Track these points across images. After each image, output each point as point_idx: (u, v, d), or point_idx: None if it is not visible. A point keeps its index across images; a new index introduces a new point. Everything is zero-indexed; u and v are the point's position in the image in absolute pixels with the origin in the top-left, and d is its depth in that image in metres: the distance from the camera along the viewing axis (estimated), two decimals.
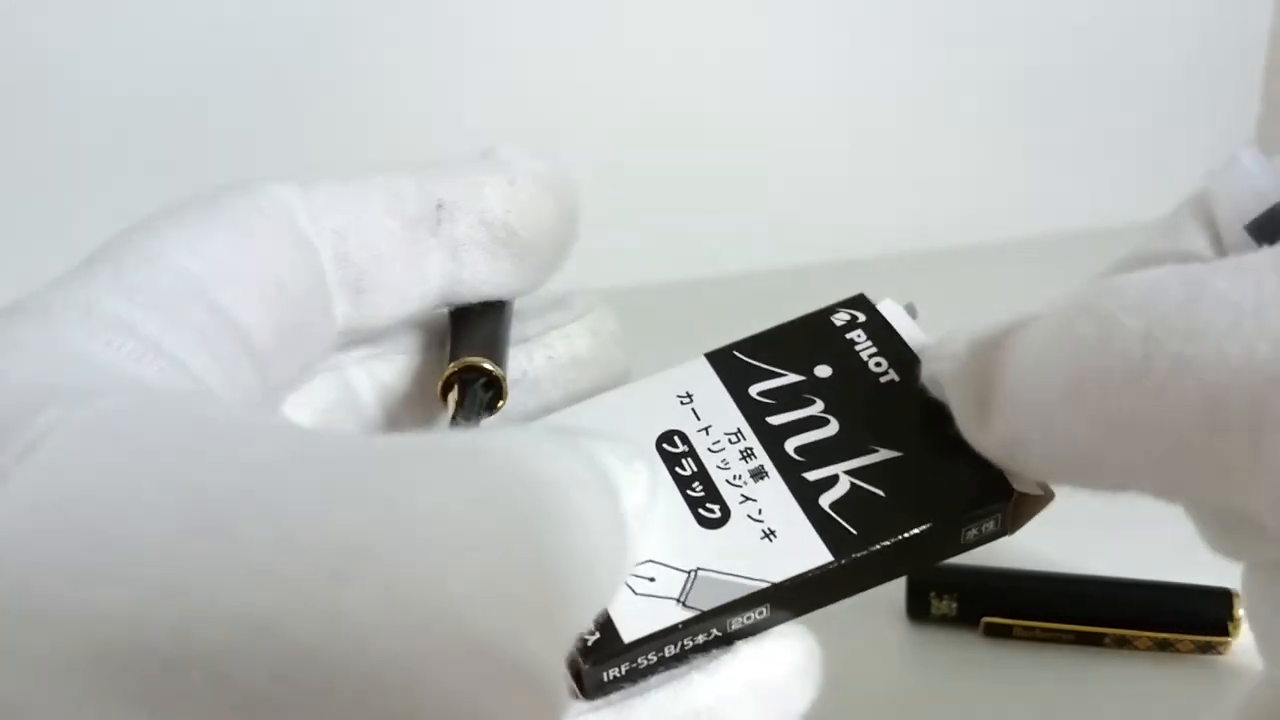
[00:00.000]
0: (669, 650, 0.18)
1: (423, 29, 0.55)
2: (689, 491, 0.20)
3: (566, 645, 0.15)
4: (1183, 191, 0.20)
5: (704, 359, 0.22)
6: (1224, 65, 0.72)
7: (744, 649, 0.18)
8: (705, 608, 0.18)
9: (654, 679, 0.18)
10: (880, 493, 0.19)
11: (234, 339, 0.17)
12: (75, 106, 0.53)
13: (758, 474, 0.20)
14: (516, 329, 0.22)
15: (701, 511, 0.20)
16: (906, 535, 0.19)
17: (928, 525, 0.19)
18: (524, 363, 0.22)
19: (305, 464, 0.14)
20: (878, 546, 0.19)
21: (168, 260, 0.17)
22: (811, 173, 0.66)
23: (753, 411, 0.21)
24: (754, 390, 0.21)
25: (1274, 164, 0.19)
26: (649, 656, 0.18)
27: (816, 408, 0.21)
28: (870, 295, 0.23)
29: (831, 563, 0.19)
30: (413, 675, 0.12)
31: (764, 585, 0.19)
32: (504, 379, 0.21)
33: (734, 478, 0.20)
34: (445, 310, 0.22)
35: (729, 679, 0.18)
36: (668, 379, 0.22)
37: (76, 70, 0.53)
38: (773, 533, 0.19)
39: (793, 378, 0.21)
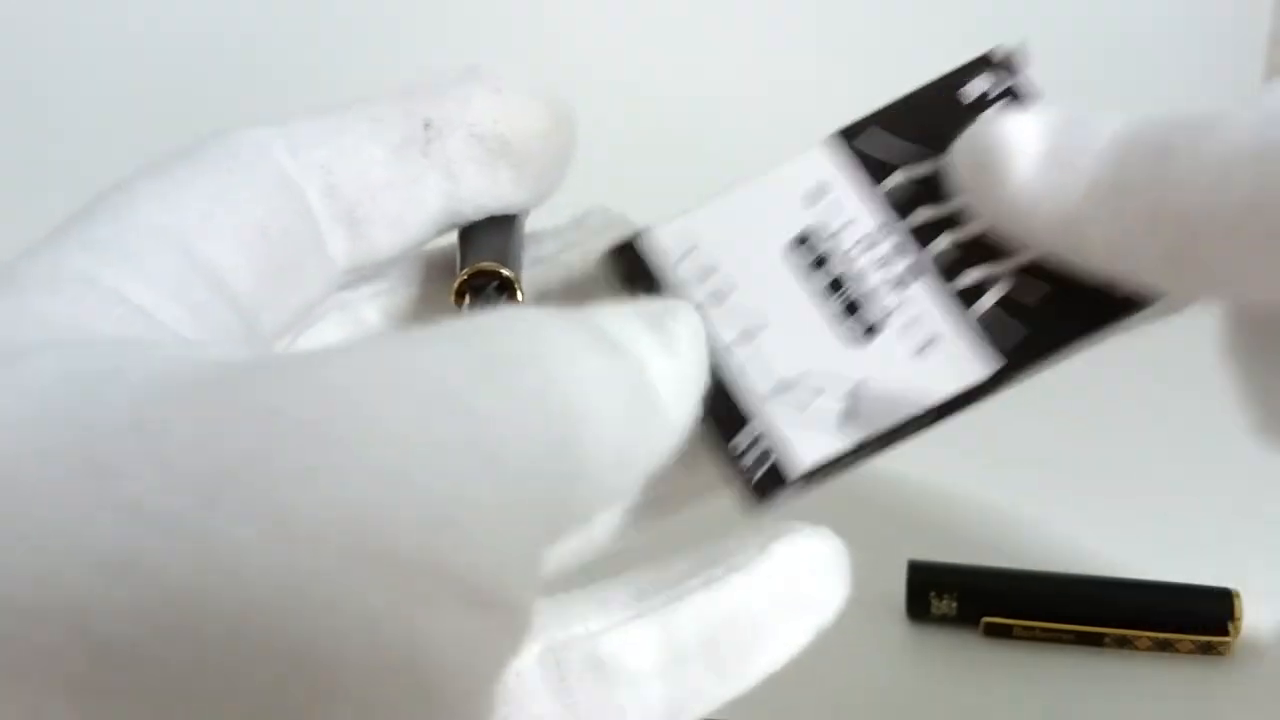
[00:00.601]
0: (831, 474, 0.18)
1: (436, 23, 0.55)
2: (829, 303, 0.18)
3: (526, 544, 0.13)
4: None
5: (830, 146, 0.19)
6: (1225, 68, 0.72)
7: (778, 549, 0.18)
8: (877, 430, 0.18)
9: (692, 582, 0.18)
10: (1044, 285, 0.18)
11: (209, 285, 0.17)
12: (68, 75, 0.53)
13: (903, 280, 0.19)
14: (533, 250, 0.22)
15: (847, 325, 0.18)
16: (1072, 330, 0.18)
17: (1095, 320, 0.18)
18: (541, 284, 0.22)
19: (203, 387, 0.13)
20: (1043, 345, 0.18)
21: (137, 212, 0.17)
22: None
23: (891, 208, 0.19)
24: (890, 183, 0.19)
25: None
26: (815, 480, 0.18)
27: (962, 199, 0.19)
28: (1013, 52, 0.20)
29: (1000, 368, 0.18)
30: (299, 595, 0.11)
31: (933, 401, 0.18)
32: (517, 280, 0.20)
33: (878, 285, 0.19)
34: (454, 239, 0.22)
35: (767, 578, 0.18)
36: (792, 174, 0.19)
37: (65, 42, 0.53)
38: (930, 343, 0.18)
39: (932, 165, 0.19)
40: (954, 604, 0.34)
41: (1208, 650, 0.33)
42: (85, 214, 0.17)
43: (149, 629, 0.11)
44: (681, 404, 0.17)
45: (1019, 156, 0.17)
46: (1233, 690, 0.32)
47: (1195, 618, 0.33)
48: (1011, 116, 0.18)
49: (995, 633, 0.34)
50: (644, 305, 0.17)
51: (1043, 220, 0.17)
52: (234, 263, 0.17)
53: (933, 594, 0.35)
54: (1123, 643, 0.34)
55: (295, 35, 0.57)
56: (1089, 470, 0.45)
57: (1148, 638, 0.33)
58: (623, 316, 0.16)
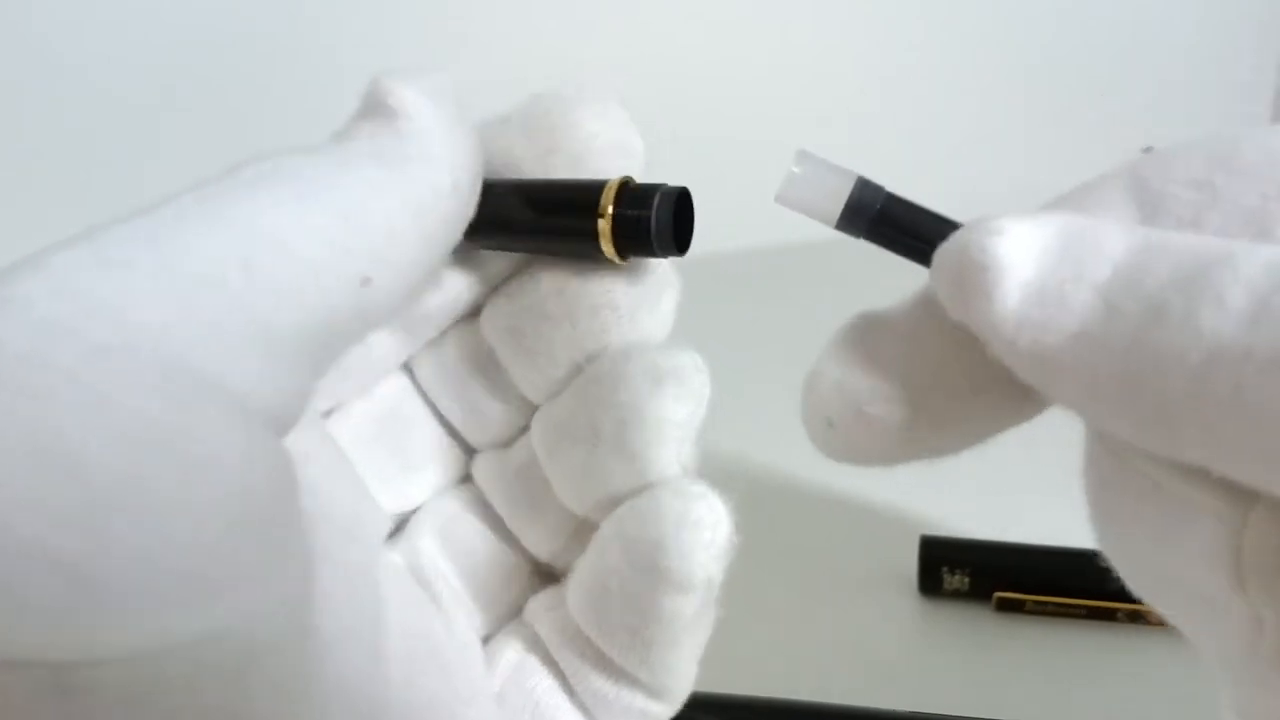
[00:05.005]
0: None
1: (432, 16, 0.55)
2: None
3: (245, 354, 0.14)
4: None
5: None
6: (1230, 61, 0.72)
7: None
8: None
9: None
10: None
11: None
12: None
13: None
14: None
15: None
16: None
17: None
18: None
19: None
20: None
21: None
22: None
23: None
24: None
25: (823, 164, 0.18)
26: None
27: None
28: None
29: None
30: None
31: None
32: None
33: None
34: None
35: None
36: None
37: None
38: None
39: None
40: (966, 579, 0.35)
41: None
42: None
43: None
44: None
45: (1007, 282, 0.16)
46: None
47: None
48: (1009, 230, 0.16)
49: (1007, 608, 0.34)
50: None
51: (1020, 353, 0.16)
52: None
53: (945, 569, 0.35)
54: (1135, 618, 0.34)
55: (292, 28, 0.57)
56: None
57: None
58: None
